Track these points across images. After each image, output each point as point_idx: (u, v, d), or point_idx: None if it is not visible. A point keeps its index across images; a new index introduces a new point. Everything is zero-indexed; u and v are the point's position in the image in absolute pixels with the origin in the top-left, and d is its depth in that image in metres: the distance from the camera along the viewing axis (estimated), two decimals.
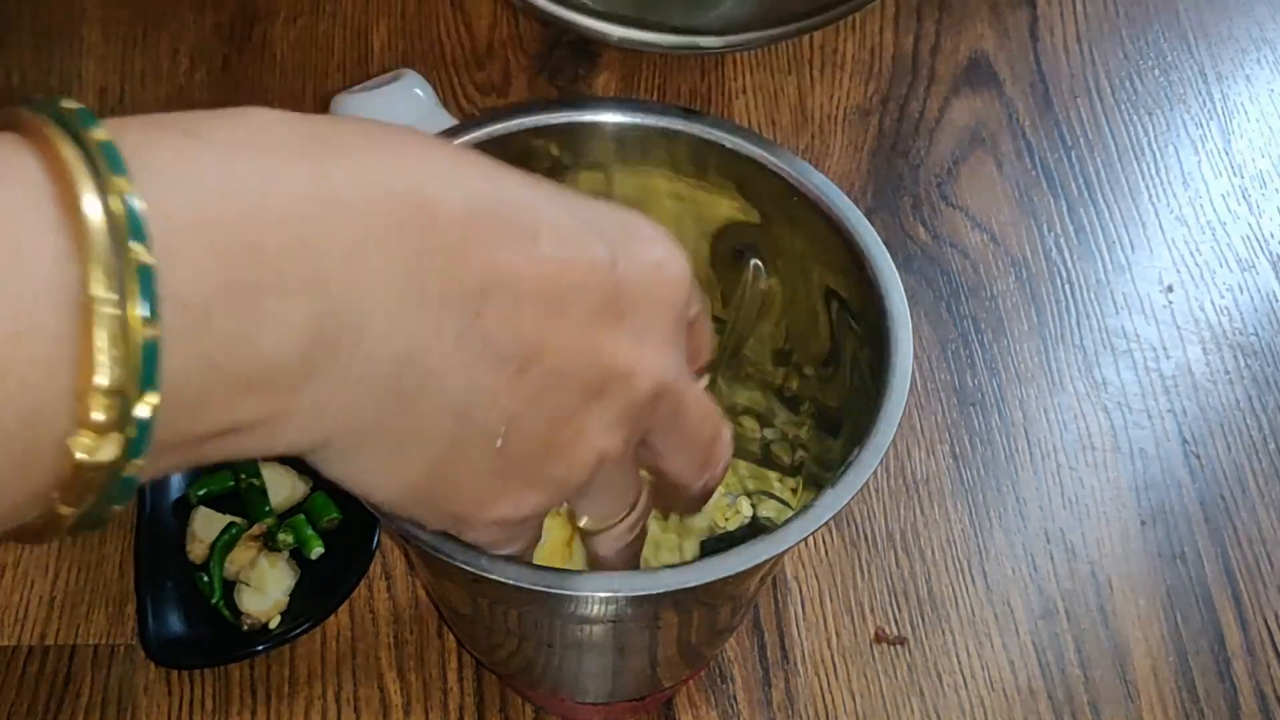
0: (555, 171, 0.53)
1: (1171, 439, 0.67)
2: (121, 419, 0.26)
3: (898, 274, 0.48)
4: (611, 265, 0.34)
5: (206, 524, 0.60)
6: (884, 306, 0.48)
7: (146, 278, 0.25)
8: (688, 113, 0.52)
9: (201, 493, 0.61)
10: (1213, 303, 0.72)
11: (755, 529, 0.57)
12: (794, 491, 0.56)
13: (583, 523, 0.42)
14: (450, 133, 0.51)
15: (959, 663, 0.60)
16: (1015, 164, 0.77)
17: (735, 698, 0.58)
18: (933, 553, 0.63)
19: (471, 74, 0.79)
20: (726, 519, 0.57)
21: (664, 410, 0.37)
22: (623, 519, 0.42)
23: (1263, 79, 0.81)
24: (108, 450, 0.26)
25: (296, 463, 0.61)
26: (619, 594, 0.41)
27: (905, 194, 0.75)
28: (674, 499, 0.43)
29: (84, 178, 0.25)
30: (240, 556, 0.59)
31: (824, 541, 0.63)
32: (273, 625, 0.58)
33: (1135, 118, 0.79)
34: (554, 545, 0.55)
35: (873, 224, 0.50)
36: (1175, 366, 0.69)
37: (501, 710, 0.58)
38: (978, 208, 0.75)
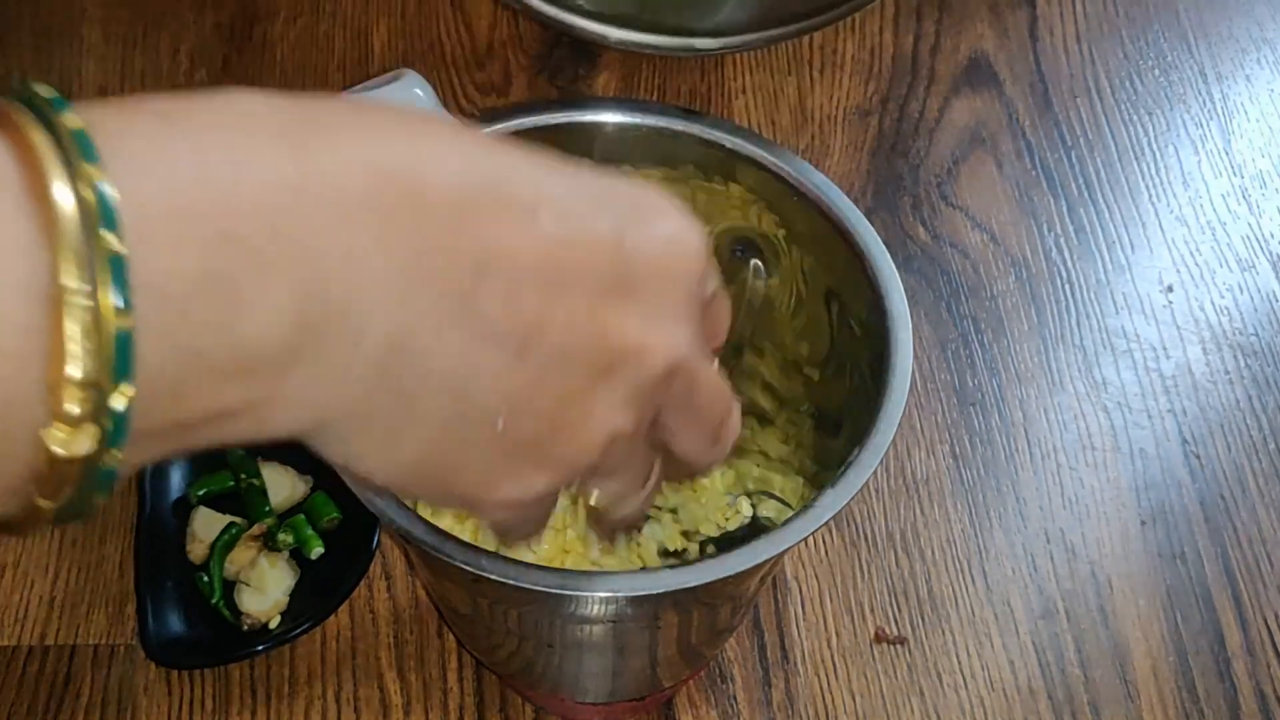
0: None
1: (1171, 439, 0.67)
2: (96, 411, 0.25)
3: (898, 274, 0.48)
4: (619, 241, 0.33)
5: (206, 524, 0.60)
6: (884, 306, 0.48)
7: (119, 267, 0.25)
8: (688, 113, 0.52)
9: (201, 493, 0.61)
10: (1213, 303, 0.72)
11: (755, 529, 0.57)
12: (794, 491, 0.56)
13: (593, 500, 0.41)
14: None
15: (959, 663, 0.60)
16: (1015, 164, 0.77)
17: (735, 698, 0.58)
18: (933, 553, 0.63)
19: (471, 74, 0.79)
20: (726, 519, 0.57)
21: (677, 389, 0.36)
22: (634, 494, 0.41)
23: (1263, 79, 0.81)
24: (83, 443, 0.26)
25: (296, 462, 0.61)
26: (619, 594, 0.42)
27: (905, 194, 0.75)
28: (676, 470, 0.42)
29: (54, 165, 0.25)
30: (240, 556, 0.59)
31: (824, 541, 0.63)
32: (273, 625, 0.58)
33: (1135, 118, 0.79)
34: (554, 547, 0.55)
35: (873, 224, 0.50)
36: (1175, 366, 0.69)
37: (501, 710, 0.58)
38: (978, 208, 0.75)
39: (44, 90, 0.26)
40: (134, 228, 0.25)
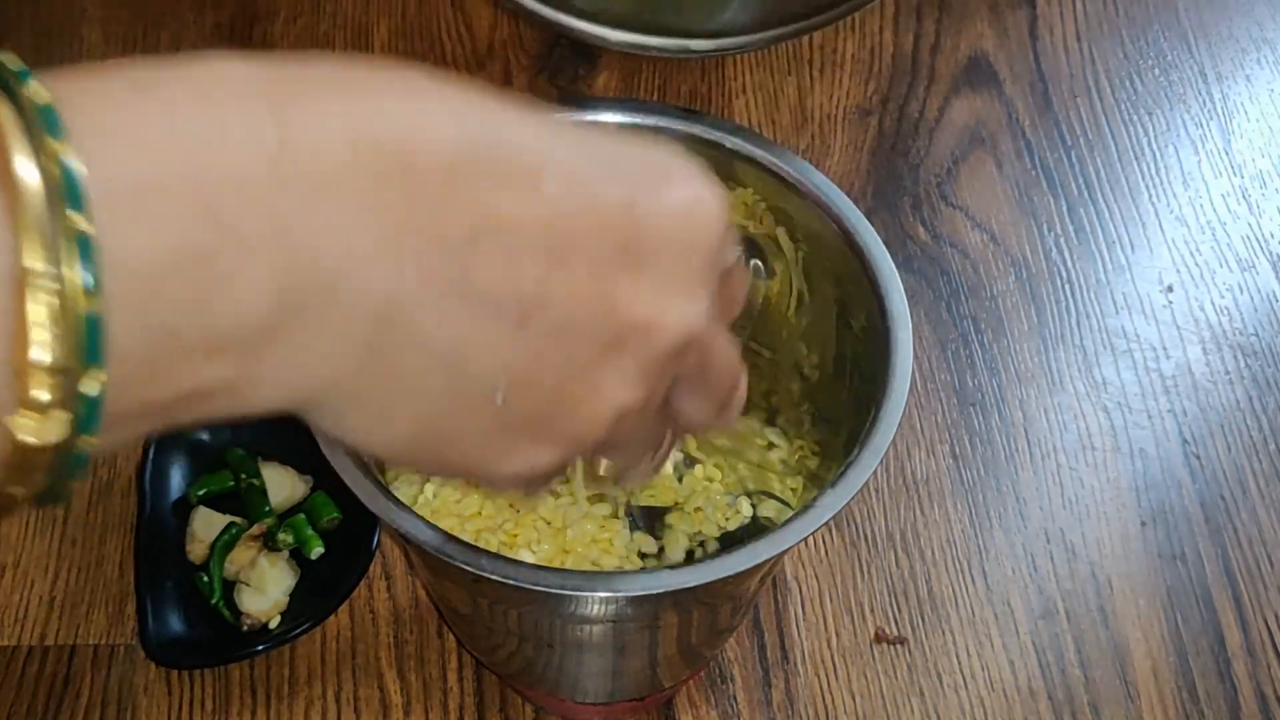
0: None
1: (1171, 439, 0.67)
2: (67, 397, 0.24)
3: (898, 274, 0.48)
4: (629, 208, 0.31)
5: (206, 524, 0.60)
6: (884, 306, 0.48)
7: (86, 247, 0.24)
8: (688, 113, 0.52)
9: (201, 493, 0.61)
10: (1213, 303, 0.72)
11: (755, 529, 0.57)
12: (794, 491, 0.56)
13: (601, 470, 0.40)
14: None
15: (959, 663, 0.60)
16: (1015, 164, 0.77)
17: (735, 698, 0.58)
18: (933, 553, 0.63)
19: (471, 74, 0.79)
20: (726, 519, 0.57)
21: (690, 362, 0.34)
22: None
23: (1263, 79, 0.81)
24: (53, 430, 0.25)
25: (296, 462, 0.61)
26: (619, 594, 0.41)
27: (905, 194, 0.75)
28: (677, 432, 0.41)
29: (18, 140, 0.24)
30: (240, 556, 0.59)
31: (824, 541, 0.63)
32: (273, 625, 0.58)
33: (1135, 118, 0.79)
34: (554, 547, 0.55)
35: (873, 224, 0.50)
36: (1175, 366, 0.69)
37: (501, 710, 0.58)
38: (978, 208, 0.75)
39: (9, 60, 0.25)
40: (103, 205, 0.24)
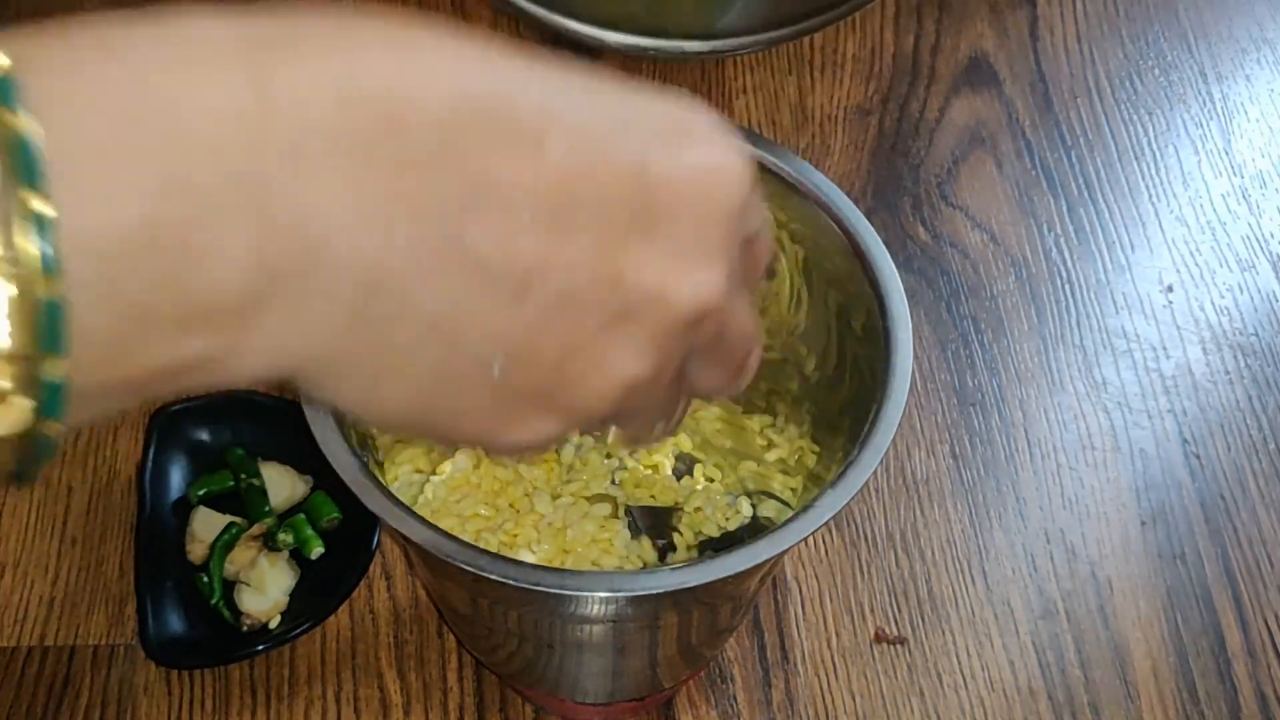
0: None
1: (1171, 439, 0.67)
2: (28, 384, 0.23)
3: (898, 274, 0.48)
4: (641, 171, 0.29)
5: (206, 524, 0.60)
6: (884, 306, 0.48)
7: (44, 227, 0.22)
8: None
9: (201, 493, 0.61)
10: (1213, 303, 0.72)
11: (755, 529, 0.57)
12: (794, 491, 0.56)
13: (610, 438, 0.38)
14: None
15: (959, 663, 0.60)
16: (1015, 164, 0.77)
17: (735, 698, 0.58)
18: (933, 553, 0.63)
19: None
20: (726, 519, 0.57)
21: (706, 333, 0.32)
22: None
23: (1263, 79, 0.81)
24: (14, 418, 0.23)
25: (296, 462, 0.61)
26: (619, 594, 0.41)
27: (905, 194, 0.75)
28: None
29: None
30: (240, 556, 0.59)
31: (824, 541, 0.63)
32: (273, 625, 0.58)
33: (1135, 118, 0.79)
34: (554, 547, 0.55)
35: (873, 224, 0.50)
36: (1175, 366, 0.69)
37: (501, 710, 0.58)
38: (978, 208, 0.75)
39: None
40: (64, 179, 0.23)
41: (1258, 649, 0.61)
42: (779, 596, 0.61)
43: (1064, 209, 0.75)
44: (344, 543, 0.60)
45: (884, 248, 0.49)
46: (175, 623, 0.57)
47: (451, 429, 0.32)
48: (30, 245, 0.22)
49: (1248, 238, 0.74)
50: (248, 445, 0.62)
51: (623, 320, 0.30)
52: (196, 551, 0.59)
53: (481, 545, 0.42)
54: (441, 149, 0.27)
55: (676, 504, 0.57)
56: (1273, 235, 0.75)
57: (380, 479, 0.44)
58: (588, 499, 0.56)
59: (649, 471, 0.58)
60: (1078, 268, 0.73)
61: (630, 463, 0.58)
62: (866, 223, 0.50)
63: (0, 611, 0.60)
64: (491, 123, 0.27)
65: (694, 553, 0.56)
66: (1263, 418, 0.68)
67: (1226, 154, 0.78)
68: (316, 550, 0.60)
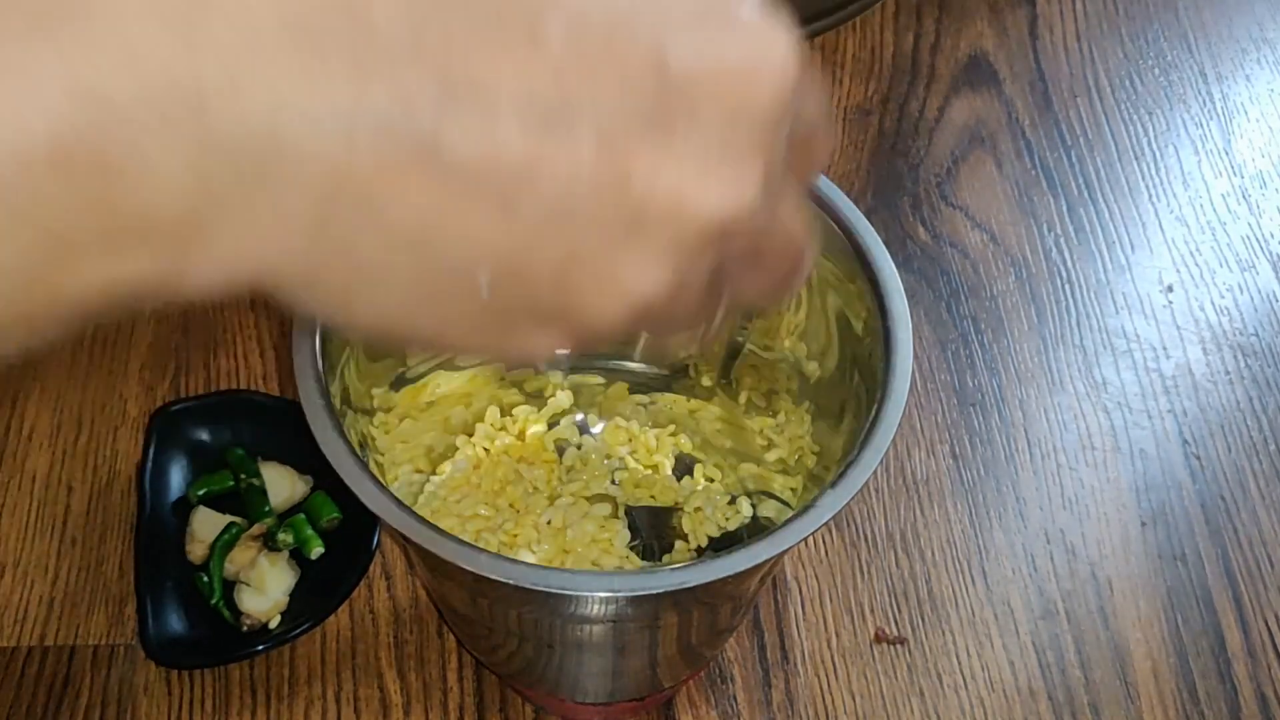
0: None
1: (1171, 439, 0.67)
2: None
3: (898, 274, 0.48)
4: (659, 64, 0.25)
5: (206, 524, 0.60)
6: (884, 306, 0.48)
7: None
8: None
9: (201, 493, 0.61)
10: (1213, 303, 0.72)
11: (755, 529, 0.57)
12: (794, 491, 0.56)
13: (638, 351, 0.35)
14: None
15: (959, 663, 0.60)
16: (1015, 164, 0.77)
17: (735, 698, 0.58)
18: (933, 553, 0.63)
19: None
20: (726, 519, 0.57)
21: (737, 247, 0.28)
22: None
23: (1263, 79, 0.81)
24: None
25: (296, 462, 0.61)
26: (619, 594, 0.41)
27: (905, 194, 0.75)
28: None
29: None
30: (240, 556, 0.59)
31: (824, 541, 0.63)
32: (273, 625, 0.58)
33: (1135, 118, 0.79)
34: (554, 547, 0.55)
35: (873, 224, 0.50)
36: (1175, 366, 0.69)
37: (501, 710, 0.58)
38: (977, 207, 0.75)
39: None
40: None
41: (1258, 649, 0.61)
42: (779, 596, 0.61)
43: (1064, 209, 0.75)
44: (344, 543, 0.60)
45: (884, 248, 0.49)
46: (175, 623, 0.57)
47: (439, 339, 0.29)
48: None
49: (1248, 238, 0.74)
50: (248, 445, 0.62)
51: (632, 233, 0.26)
52: (196, 551, 0.59)
53: (481, 545, 0.42)
54: (412, 41, 0.23)
55: (676, 504, 0.57)
56: (1273, 235, 0.75)
57: (380, 479, 0.44)
58: (588, 499, 0.56)
59: (649, 471, 0.58)
60: (1078, 268, 0.73)
61: (630, 463, 0.58)
62: (866, 223, 0.50)
63: (0, 611, 0.60)
64: (477, 11, 0.24)
65: (693, 553, 0.56)
66: (1263, 418, 0.68)
67: (1226, 154, 0.78)
68: (316, 550, 0.60)
